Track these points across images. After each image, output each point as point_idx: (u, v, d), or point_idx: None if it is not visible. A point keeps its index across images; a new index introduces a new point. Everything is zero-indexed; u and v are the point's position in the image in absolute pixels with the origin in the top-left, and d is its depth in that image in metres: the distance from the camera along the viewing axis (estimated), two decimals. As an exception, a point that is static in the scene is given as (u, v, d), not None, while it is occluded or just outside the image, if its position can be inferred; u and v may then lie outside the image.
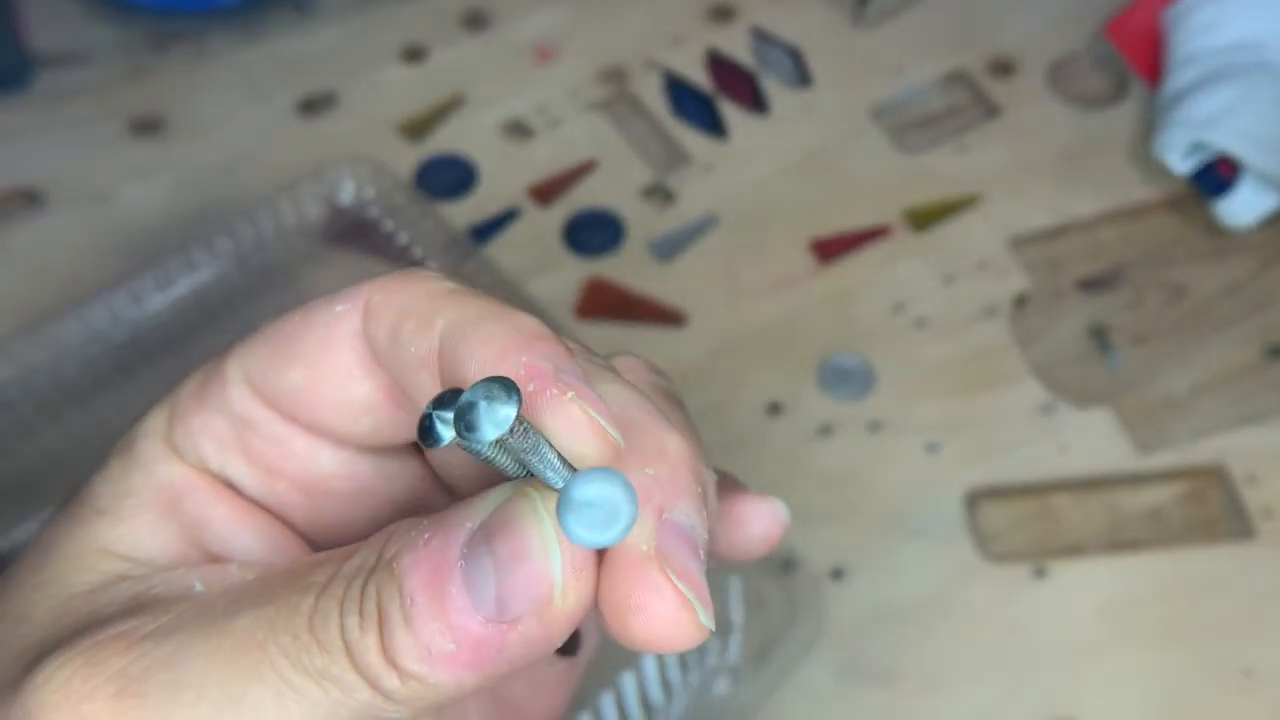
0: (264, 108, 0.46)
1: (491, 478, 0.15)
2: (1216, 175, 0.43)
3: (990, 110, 0.47)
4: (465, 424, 0.13)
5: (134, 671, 0.14)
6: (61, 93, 0.46)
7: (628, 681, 0.32)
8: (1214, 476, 0.38)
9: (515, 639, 0.14)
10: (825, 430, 0.39)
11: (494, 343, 0.15)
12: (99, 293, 0.38)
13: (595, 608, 0.15)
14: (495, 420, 0.13)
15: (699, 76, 0.48)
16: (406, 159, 0.45)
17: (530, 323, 0.16)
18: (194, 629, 0.15)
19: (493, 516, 0.14)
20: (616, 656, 0.32)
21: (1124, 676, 0.34)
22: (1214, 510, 0.37)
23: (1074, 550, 0.37)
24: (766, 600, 0.34)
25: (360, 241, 0.41)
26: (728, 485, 0.18)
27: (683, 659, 0.33)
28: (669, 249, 0.43)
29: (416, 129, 0.46)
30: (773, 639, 0.33)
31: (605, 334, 0.40)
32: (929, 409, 0.39)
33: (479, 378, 0.14)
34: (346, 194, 0.41)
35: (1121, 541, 0.37)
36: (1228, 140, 0.42)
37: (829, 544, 0.36)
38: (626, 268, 0.42)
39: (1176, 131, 0.43)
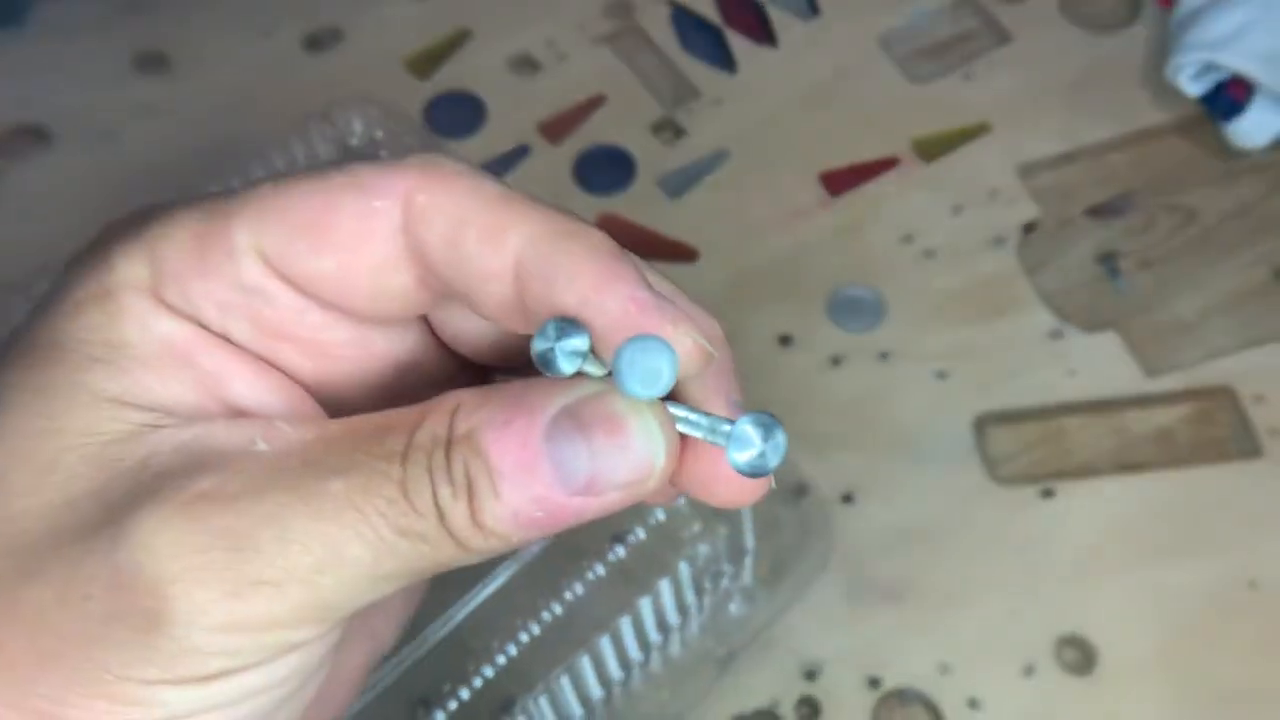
0: (269, 43, 0.46)
1: (507, 350, 0.18)
2: (1228, 97, 0.43)
3: (1000, 36, 0.46)
4: (621, 380, 0.15)
5: (242, 528, 0.16)
6: (60, 27, 0.46)
7: (644, 605, 0.33)
8: (1222, 397, 0.38)
9: (596, 505, 0.16)
10: (836, 360, 0.39)
11: (584, 272, 0.16)
12: None
13: (677, 478, 0.17)
14: (654, 377, 0.15)
15: (707, 8, 0.47)
16: (415, 96, 0.45)
17: (605, 242, 0.17)
18: (287, 490, 0.16)
19: (585, 408, 0.16)
20: (632, 581, 0.33)
21: (1131, 593, 0.35)
22: (1222, 430, 0.38)
23: (1082, 471, 0.37)
24: (779, 524, 0.35)
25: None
26: None
27: (697, 582, 0.34)
28: (679, 185, 0.43)
29: (424, 65, 0.46)
30: (785, 561, 0.34)
31: (617, 270, 0.41)
32: (938, 338, 0.40)
33: (582, 307, 0.16)
34: (356, 135, 0.41)
35: (1129, 462, 0.37)
36: (1240, 60, 0.42)
37: (840, 470, 0.37)
38: (637, 205, 0.42)
39: (1189, 53, 0.43)
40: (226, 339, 0.18)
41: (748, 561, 0.34)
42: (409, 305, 0.18)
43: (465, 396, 0.16)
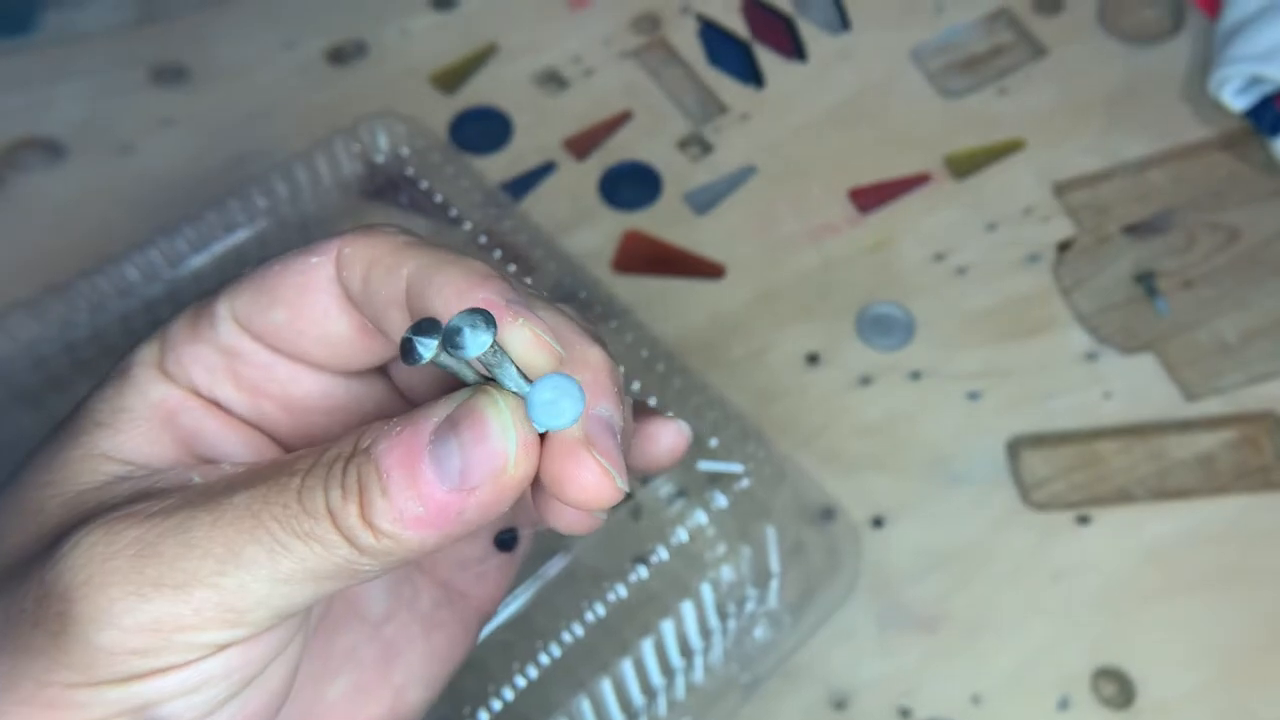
0: (290, 56, 0.46)
1: (449, 391, 0.19)
2: (1275, 111, 0.42)
3: (1036, 50, 0.45)
4: (454, 344, 0.17)
5: (149, 537, 0.18)
6: (72, 38, 0.46)
7: (667, 628, 0.32)
8: (1267, 423, 0.37)
9: (473, 503, 0.18)
10: (865, 379, 0.39)
11: (454, 283, 0.19)
12: (135, 248, 0.38)
13: (534, 488, 0.19)
14: (478, 342, 0.17)
15: (735, 22, 0.47)
16: (440, 111, 0.45)
17: (481, 266, 0.19)
18: (197, 505, 0.18)
19: (458, 409, 0.18)
20: (655, 603, 0.33)
21: (1172, 625, 0.34)
22: (1267, 458, 0.37)
23: (1120, 497, 0.36)
24: (806, 548, 0.34)
25: (396, 197, 0.41)
26: (642, 409, 0.23)
27: (721, 606, 0.33)
28: (706, 201, 0.42)
29: (449, 80, 0.46)
30: (812, 586, 0.34)
31: (643, 287, 0.40)
32: (970, 357, 0.39)
33: (445, 310, 0.19)
34: (381, 150, 0.41)
35: (1169, 489, 0.36)
36: (1286, 75, 0.41)
37: (869, 492, 0.36)
38: (663, 220, 0.42)
39: (1233, 66, 0.42)
40: (215, 402, 0.21)
41: (773, 585, 0.33)
42: (355, 352, 0.21)
43: (377, 422, 0.19)
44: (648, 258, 0.41)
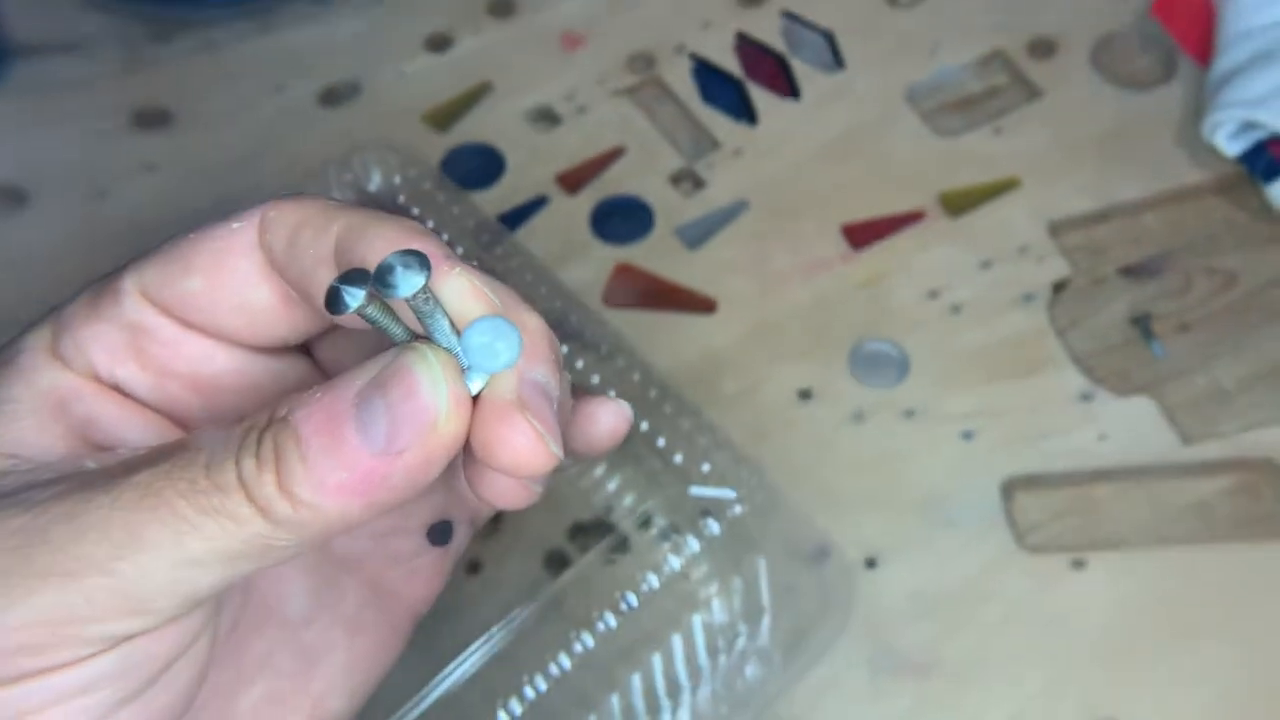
0: (282, 99, 0.46)
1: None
2: (1268, 156, 0.42)
3: (1030, 92, 0.46)
4: (384, 283, 0.16)
5: (35, 525, 0.16)
6: (44, 85, 0.45)
7: (655, 662, 0.31)
8: (1266, 471, 0.37)
9: (400, 467, 0.17)
10: (858, 417, 0.38)
11: (386, 237, 0.18)
12: None
13: (466, 458, 0.18)
14: (410, 282, 0.16)
15: (729, 62, 0.47)
16: (433, 149, 0.45)
17: (414, 224, 0.19)
18: (93, 486, 0.16)
19: (385, 369, 0.17)
20: (643, 637, 0.32)
21: (1172, 676, 0.33)
22: (1267, 506, 0.36)
23: (1115, 543, 0.35)
24: (798, 588, 0.33)
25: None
26: (582, 391, 0.22)
27: (710, 643, 0.32)
28: (698, 236, 0.42)
29: (443, 118, 0.46)
30: (804, 627, 0.33)
31: (635, 321, 0.40)
32: (964, 397, 0.38)
33: (376, 262, 0.17)
34: (374, 181, 0.40)
35: (1167, 536, 0.35)
36: None
37: (862, 532, 0.35)
38: (655, 255, 0.42)
39: (1227, 111, 0.42)
40: (115, 386, 0.20)
41: (765, 622, 0.32)
42: (276, 324, 0.20)
43: (295, 393, 0.17)
44: (639, 292, 0.41)
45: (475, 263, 0.38)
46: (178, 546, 0.16)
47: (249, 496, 0.16)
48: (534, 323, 0.18)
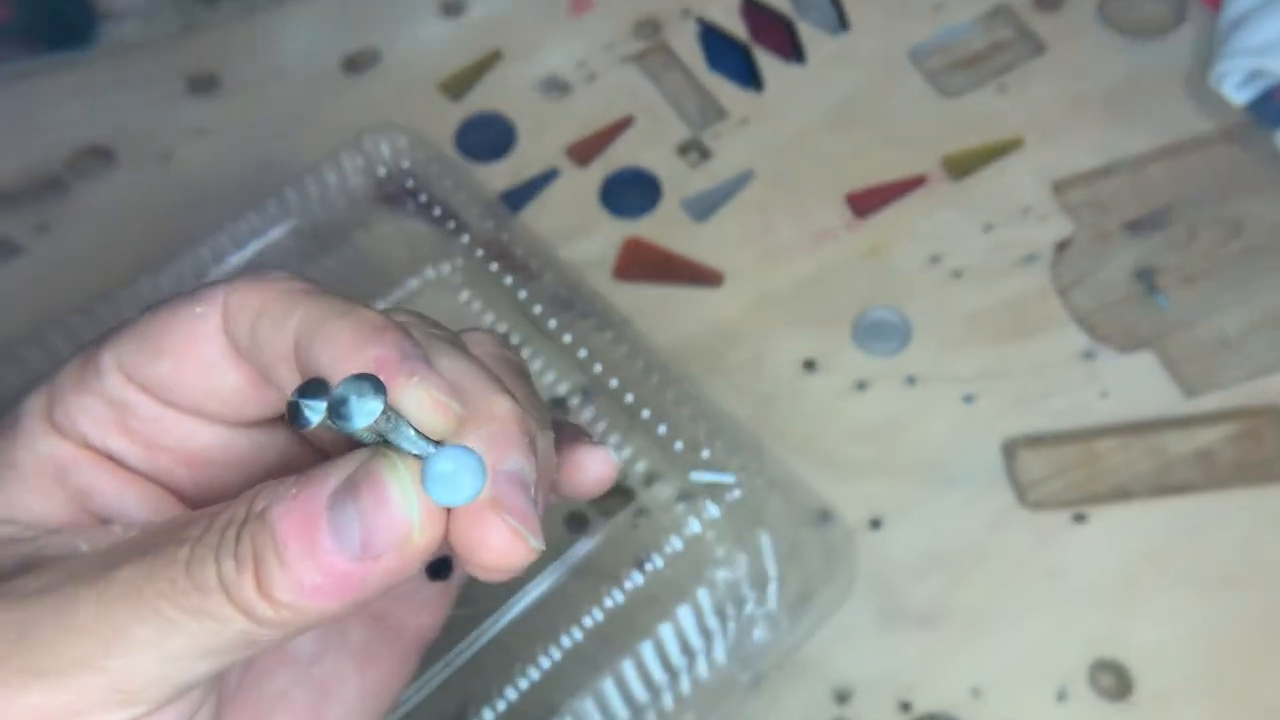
0: (310, 66, 0.47)
1: (355, 442, 0.18)
2: (1277, 104, 0.42)
3: (1036, 46, 0.45)
4: (339, 414, 0.16)
5: (25, 621, 0.17)
6: (122, 49, 0.47)
7: (666, 630, 0.33)
8: (1269, 416, 0.37)
9: (377, 571, 0.17)
10: (861, 385, 0.39)
11: (342, 337, 0.18)
12: (171, 258, 0.39)
13: (446, 541, 0.18)
14: (365, 411, 0.16)
15: (735, 25, 0.47)
16: (448, 118, 0.45)
17: (373, 317, 0.18)
18: (80, 581, 0.17)
19: (356, 473, 0.17)
20: (654, 606, 0.34)
21: (1170, 618, 0.34)
22: (1269, 450, 0.37)
23: (1118, 495, 0.36)
24: (803, 551, 0.35)
25: (405, 206, 0.42)
26: (570, 434, 0.22)
27: (720, 608, 0.34)
28: (705, 208, 0.43)
29: (456, 87, 0.46)
30: (811, 588, 0.34)
31: (644, 294, 0.41)
32: (966, 360, 0.39)
33: (332, 368, 0.17)
34: (384, 164, 0.42)
35: (1168, 485, 0.37)
36: (1288, 66, 0.40)
37: (866, 495, 0.37)
38: (663, 228, 0.43)
39: (1234, 59, 0.41)
40: (108, 455, 0.20)
41: (771, 588, 0.34)
42: (248, 405, 0.20)
43: (271, 481, 0.17)
44: (648, 265, 0.42)
45: (480, 252, 0.39)
46: (163, 645, 0.16)
47: (229, 598, 0.16)
48: (503, 409, 0.18)
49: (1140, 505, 0.36)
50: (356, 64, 0.47)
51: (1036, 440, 0.38)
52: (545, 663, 0.33)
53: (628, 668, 0.33)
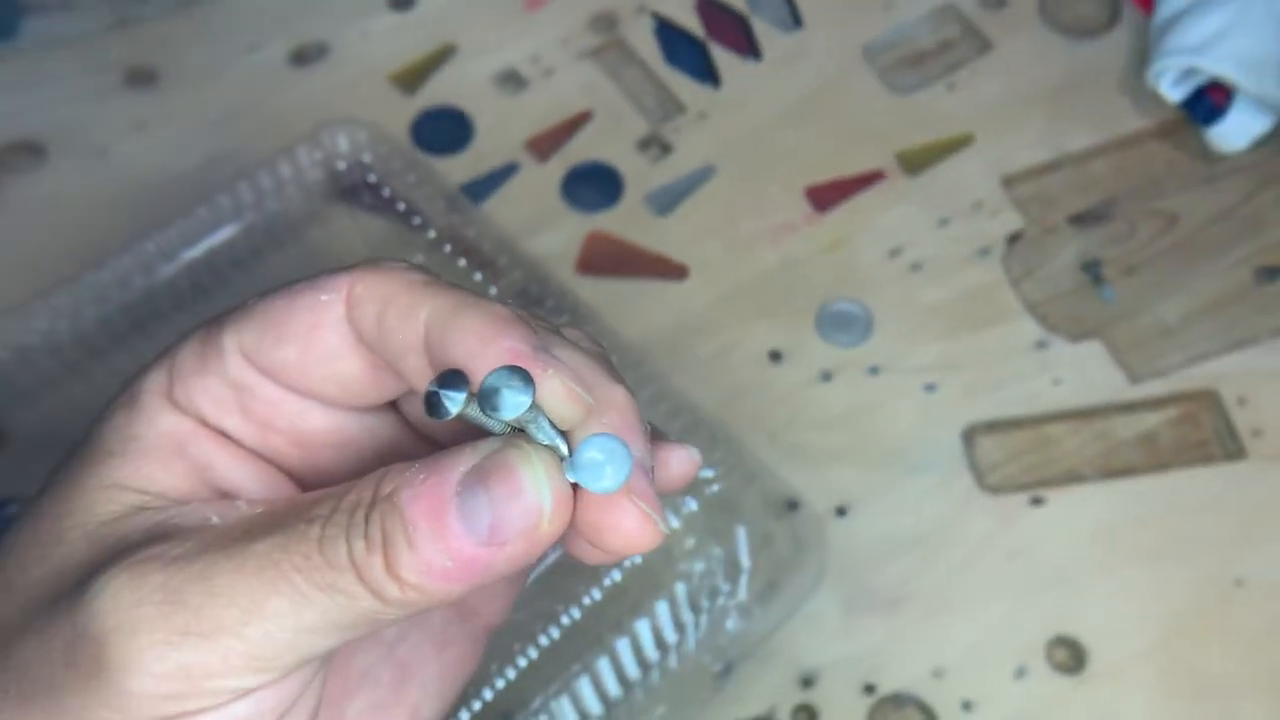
0: (255, 58, 0.46)
1: (464, 431, 0.19)
2: (1208, 101, 0.43)
3: (982, 44, 0.47)
4: (491, 405, 0.17)
5: (174, 584, 0.18)
6: (51, 43, 0.46)
7: (642, 626, 0.33)
8: (1206, 400, 0.39)
9: (502, 557, 0.17)
10: (826, 375, 0.40)
11: (475, 330, 0.18)
12: (116, 253, 0.39)
13: (570, 529, 0.19)
14: (515, 404, 0.17)
15: (690, 21, 0.47)
16: (402, 111, 0.45)
17: (502, 310, 0.19)
18: (219, 551, 0.18)
19: (486, 462, 0.17)
20: (629, 601, 0.34)
21: (1122, 594, 0.36)
22: (1205, 433, 0.39)
23: (1069, 478, 0.38)
24: (772, 539, 0.35)
25: (362, 200, 0.42)
26: (653, 434, 0.22)
27: (694, 601, 0.34)
28: (667, 202, 0.43)
29: (409, 79, 0.46)
30: (780, 576, 0.35)
31: (607, 289, 0.41)
32: (927, 350, 0.40)
33: (469, 360, 0.18)
34: (343, 157, 0.41)
35: (1115, 467, 0.38)
36: (1220, 65, 0.42)
37: (832, 483, 0.38)
38: (626, 222, 0.43)
39: (1169, 58, 0.43)
40: (223, 433, 0.21)
41: (743, 579, 0.34)
42: (365, 390, 0.21)
43: (395, 466, 0.18)
44: (612, 259, 0.42)
45: (447, 248, 0.39)
46: (296, 617, 0.17)
47: (359, 576, 0.17)
48: (621, 398, 0.19)
49: (1090, 487, 0.38)
50: (304, 56, 0.46)
51: (994, 426, 0.39)
52: (521, 660, 0.33)
53: (603, 664, 0.33)
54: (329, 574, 0.17)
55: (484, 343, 0.18)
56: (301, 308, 0.20)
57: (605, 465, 0.17)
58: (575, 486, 0.18)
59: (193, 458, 0.20)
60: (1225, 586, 0.36)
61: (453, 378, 0.17)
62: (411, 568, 0.17)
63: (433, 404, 0.17)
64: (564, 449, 0.18)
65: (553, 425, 0.18)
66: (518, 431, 0.18)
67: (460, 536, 0.17)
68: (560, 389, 0.18)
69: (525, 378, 0.17)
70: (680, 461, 0.21)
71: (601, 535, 0.18)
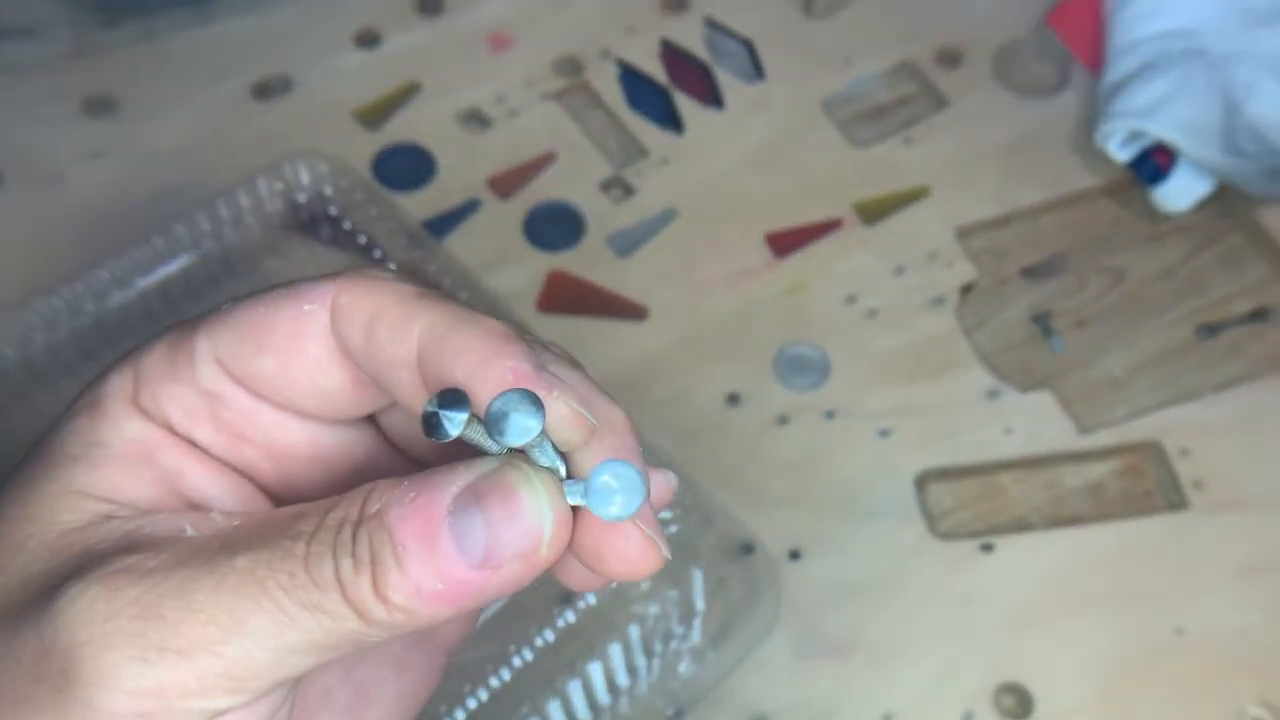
0: (217, 90, 0.46)
1: (447, 448, 0.18)
2: (1153, 162, 0.45)
3: (938, 101, 0.48)
4: (499, 430, 0.16)
5: (149, 599, 0.17)
6: (9, 68, 0.46)
7: (594, 669, 0.33)
8: (1149, 452, 0.40)
9: (496, 580, 0.17)
10: (783, 419, 0.40)
11: (473, 348, 0.18)
12: (67, 279, 0.38)
13: (569, 552, 0.18)
14: (526, 428, 0.16)
15: (654, 68, 0.48)
16: (364, 147, 0.45)
17: (499, 326, 0.18)
18: (197, 565, 0.17)
19: (482, 482, 0.17)
20: (582, 643, 0.34)
21: (1066, 642, 0.36)
22: (1149, 484, 0.40)
23: (1018, 526, 0.38)
24: (726, 582, 0.35)
25: (321, 232, 0.42)
26: None
27: (647, 644, 0.34)
28: (629, 244, 0.44)
29: (372, 115, 0.46)
30: (733, 619, 0.35)
31: (568, 327, 0.41)
32: (881, 397, 0.41)
33: (468, 379, 0.17)
34: (304, 190, 0.41)
35: (1063, 516, 0.39)
36: (1163, 129, 0.44)
37: (787, 527, 0.38)
38: (587, 262, 0.43)
39: (1116, 120, 0.45)
40: (192, 442, 0.20)
41: (697, 622, 0.34)
42: (347, 403, 0.20)
43: (381, 482, 0.17)
44: (572, 298, 0.42)
45: (407, 274, 0.39)
46: (278, 636, 0.17)
47: (345, 597, 0.17)
48: (619, 419, 0.18)
49: (1039, 535, 0.38)
50: (266, 90, 0.46)
51: (946, 474, 0.39)
52: (471, 702, 0.33)
53: (554, 707, 0.33)
54: (314, 593, 0.17)
55: (484, 361, 0.17)
56: (284, 317, 0.19)
57: (617, 493, 0.17)
58: (575, 509, 0.18)
59: (161, 466, 0.19)
60: (1166, 635, 0.36)
61: (452, 397, 0.17)
62: (400, 590, 0.16)
63: (432, 424, 0.17)
64: (563, 470, 0.18)
65: (554, 447, 0.17)
66: (516, 451, 0.17)
67: (452, 559, 0.16)
68: (566, 411, 0.17)
69: (534, 401, 0.16)
70: (658, 486, 0.21)
71: (603, 560, 0.18)
